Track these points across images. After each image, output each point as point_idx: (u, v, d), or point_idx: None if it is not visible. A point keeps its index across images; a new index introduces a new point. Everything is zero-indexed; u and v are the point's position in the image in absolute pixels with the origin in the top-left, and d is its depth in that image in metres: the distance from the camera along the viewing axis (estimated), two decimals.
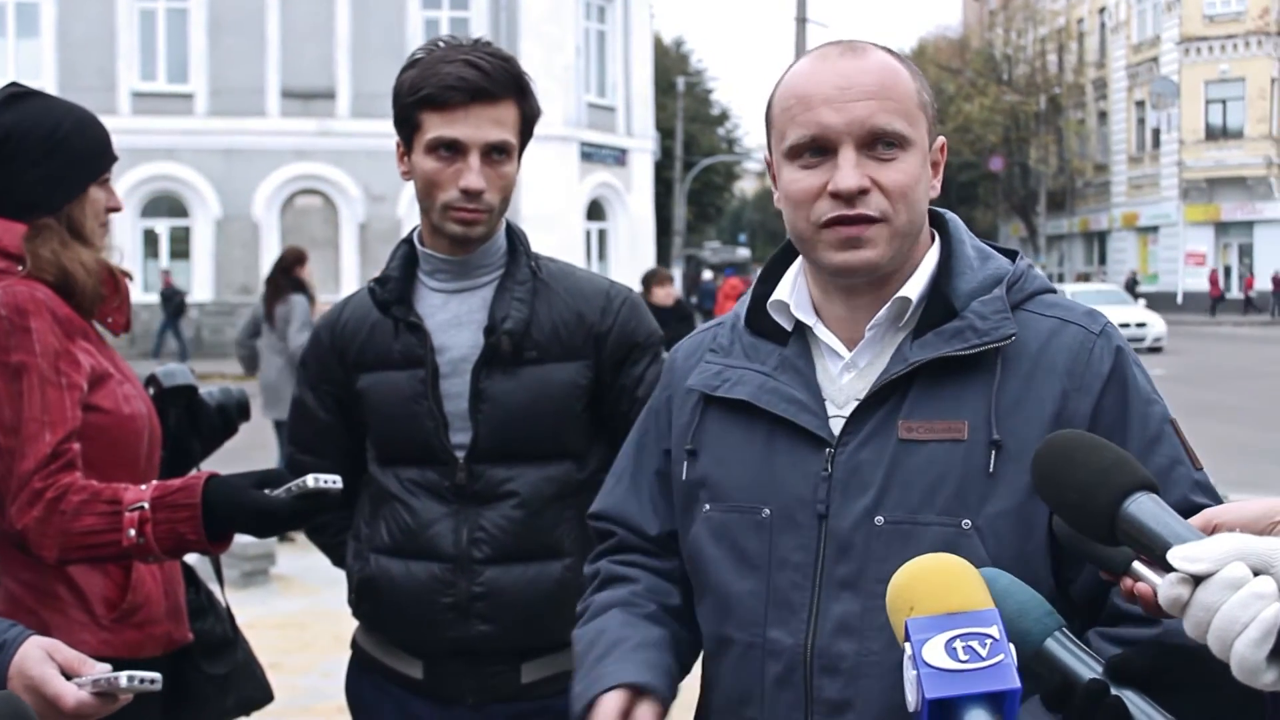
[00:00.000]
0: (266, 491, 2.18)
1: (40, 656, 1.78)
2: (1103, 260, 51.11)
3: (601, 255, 32.23)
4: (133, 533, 2.15)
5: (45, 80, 25.64)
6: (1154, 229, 47.34)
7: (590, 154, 31.18)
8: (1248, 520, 1.20)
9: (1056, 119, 52.29)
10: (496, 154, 2.35)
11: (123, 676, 1.71)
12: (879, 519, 1.64)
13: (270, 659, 6.10)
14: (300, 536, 2.82)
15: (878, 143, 1.65)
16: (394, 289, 2.45)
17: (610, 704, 1.70)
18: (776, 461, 1.72)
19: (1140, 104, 48.52)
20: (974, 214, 56.48)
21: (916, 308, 1.71)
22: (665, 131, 43.26)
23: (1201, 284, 44.90)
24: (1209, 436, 14.43)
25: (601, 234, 32.43)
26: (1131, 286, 41.93)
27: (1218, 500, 1.57)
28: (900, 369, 1.66)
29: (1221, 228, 45.35)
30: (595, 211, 32.01)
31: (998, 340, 1.64)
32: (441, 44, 2.39)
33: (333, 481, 2.14)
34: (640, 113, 33.36)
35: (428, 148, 2.35)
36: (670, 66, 51.57)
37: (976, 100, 50.43)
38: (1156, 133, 46.88)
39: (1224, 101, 44.96)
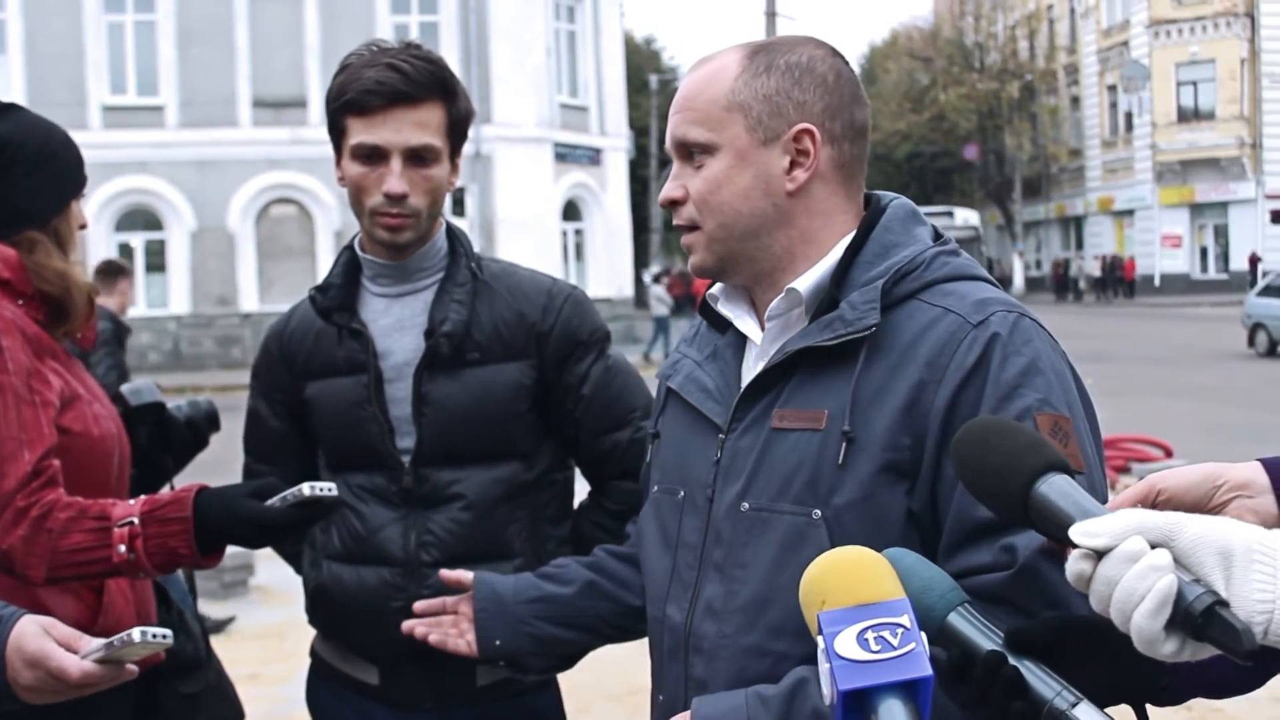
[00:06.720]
0: (265, 502, 2.13)
1: (37, 632, 1.78)
2: (1079, 245, 51.29)
3: (579, 256, 32.19)
4: (123, 548, 2.10)
5: (15, 97, 25.33)
6: (1129, 212, 47.55)
7: (564, 154, 31.13)
8: (1190, 484, 1.25)
9: (1030, 105, 52.47)
10: (420, 157, 2.32)
11: (135, 632, 1.71)
12: (745, 505, 1.69)
13: (250, 669, 6.15)
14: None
15: (691, 152, 1.73)
16: (335, 296, 2.44)
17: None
18: (691, 446, 1.81)
19: (1112, 88, 48.71)
20: (950, 202, 56.69)
21: (811, 299, 1.72)
22: (639, 130, 43.29)
23: (1178, 266, 45.08)
24: (1191, 417, 14.48)
25: (578, 234, 32.39)
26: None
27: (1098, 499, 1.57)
28: (777, 358, 1.70)
29: (1196, 209, 45.55)
30: (571, 212, 31.95)
31: (859, 331, 1.64)
32: (373, 48, 2.38)
33: (328, 489, 2.11)
34: (613, 111, 33.33)
35: (352, 154, 2.34)
36: (643, 64, 51.63)
37: (952, 89, 50.60)
38: (1129, 116, 47.05)
39: (1195, 83, 45.16)
